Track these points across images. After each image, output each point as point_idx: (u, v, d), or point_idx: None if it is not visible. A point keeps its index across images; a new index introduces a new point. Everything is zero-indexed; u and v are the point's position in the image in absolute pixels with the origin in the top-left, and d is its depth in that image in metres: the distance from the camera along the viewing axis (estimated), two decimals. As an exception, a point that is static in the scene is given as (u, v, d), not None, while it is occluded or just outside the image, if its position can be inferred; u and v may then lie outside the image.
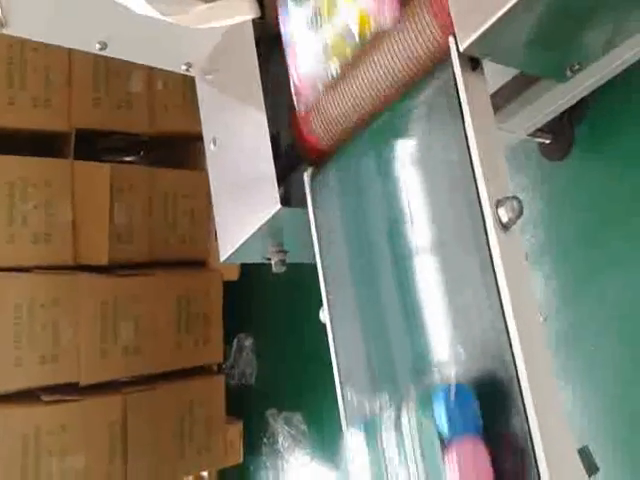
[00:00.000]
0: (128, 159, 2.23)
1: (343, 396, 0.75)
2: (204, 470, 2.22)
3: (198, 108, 1.01)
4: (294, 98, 0.76)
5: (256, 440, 2.15)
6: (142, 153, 2.24)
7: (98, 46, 0.83)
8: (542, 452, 0.53)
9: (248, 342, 2.25)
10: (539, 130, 1.19)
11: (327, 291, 0.78)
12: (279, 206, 0.81)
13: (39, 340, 1.70)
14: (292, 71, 0.73)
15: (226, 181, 0.94)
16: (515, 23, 0.57)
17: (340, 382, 0.76)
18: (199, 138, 1.00)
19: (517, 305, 0.59)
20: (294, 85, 0.74)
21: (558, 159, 1.31)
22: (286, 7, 0.71)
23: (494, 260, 0.59)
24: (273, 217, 0.83)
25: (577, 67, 0.65)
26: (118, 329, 1.84)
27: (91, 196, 1.80)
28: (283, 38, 0.74)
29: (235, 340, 2.26)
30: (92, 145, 1.95)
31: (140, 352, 1.88)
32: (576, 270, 1.29)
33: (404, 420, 0.62)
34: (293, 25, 0.71)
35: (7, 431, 1.65)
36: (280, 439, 2.07)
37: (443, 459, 0.57)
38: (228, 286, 2.10)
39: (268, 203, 0.83)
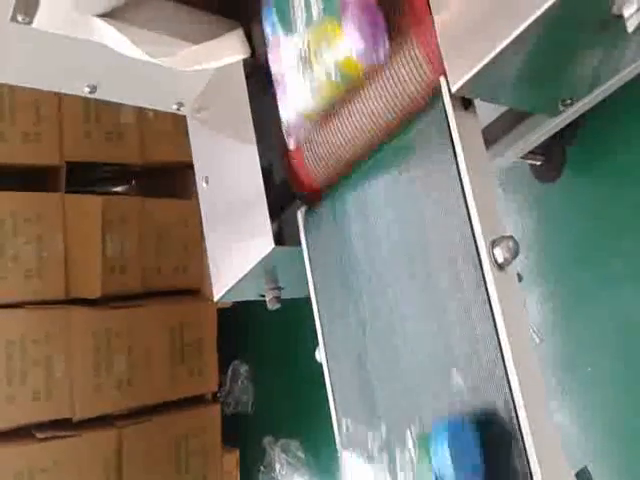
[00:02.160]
0: (119, 189, 2.23)
1: (340, 431, 0.74)
2: (202, 501, 2.19)
3: (189, 138, 1.01)
4: (286, 139, 0.76)
5: (253, 469, 2.13)
6: (133, 182, 2.24)
7: (87, 89, 0.83)
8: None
9: (243, 369, 2.23)
10: (531, 152, 1.20)
11: (323, 331, 0.77)
12: (273, 246, 0.81)
13: (32, 376, 1.69)
14: (282, 112, 0.73)
15: (219, 220, 0.93)
16: (505, 65, 0.57)
17: (337, 419, 0.75)
18: (191, 167, 0.99)
19: (515, 343, 0.58)
20: (284, 126, 0.74)
21: (550, 180, 1.32)
22: (276, 48, 0.72)
23: (491, 300, 0.58)
24: (267, 257, 0.82)
25: (569, 102, 0.65)
26: (111, 362, 1.82)
27: (83, 229, 1.80)
28: (273, 78, 0.74)
29: (230, 368, 2.25)
30: (82, 176, 1.94)
31: (134, 385, 1.86)
32: (570, 290, 1.29)
33: (400, 462, 0.62)
34: (282, 66, 0.71)
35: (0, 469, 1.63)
36: (277, 467, 2.05)
37: None
38: (222, 313, 2.09)
39: (262, 243, 0.82)
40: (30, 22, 0.71)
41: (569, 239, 1.30)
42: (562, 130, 1.07)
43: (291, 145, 0.77)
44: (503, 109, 0.87)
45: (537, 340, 1.31)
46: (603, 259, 1.24)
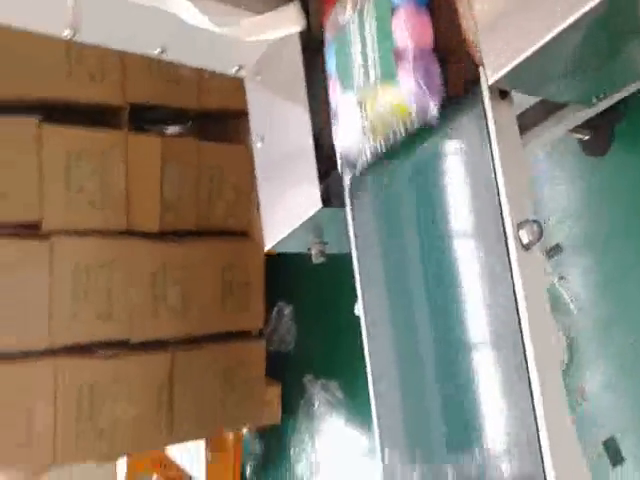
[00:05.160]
0: (175, 129, 2.29)
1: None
2: (244, 424, 2.30)
3: (243, 85, 1.06)
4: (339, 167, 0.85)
5: (294, 402, 2.22)
6: (190, 124, 2.29)
7: (159, 50, 0.90)
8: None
9: (287, 310, 2.30)
10: (578, 126, 1.20)
11: (363, 290, 0.84)
12: (320, 206, 0.87)
13: (94, 298, 1.79)
14: (337, 143, 0.82)
15: (271, 177, 1.00)
16: (542, 61, 0.60)
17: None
18: (243, 114, 1.05)
19: (535, 322, 0.63)
20: (339, 156, 0.83)
21: (598, 155, 1.32)
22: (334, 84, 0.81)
23: (514, 277, 0.64)
24: (314, 216, 0.89)
25: (602, 96, 0.68)
26: (167, 292, 1.92)
27: (143, 166, 1.88)
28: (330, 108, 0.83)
29: (275, 308, 2.32)
30: (140, 115, 2.01)
31: (187, 314, 1.96)
32: (614, 263, 1.30)
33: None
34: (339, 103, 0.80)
35: (63, 381, 1.75)
36: (316, 403, 2.13)
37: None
38: (269, 257, 2.15)
39: (310, 203, 0.88)
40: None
41: (615, 213, 1.30)
42: (610, 107, 1.07)
43: (347, 175, 0.84)
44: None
45: (574, 310, 1.34)
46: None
